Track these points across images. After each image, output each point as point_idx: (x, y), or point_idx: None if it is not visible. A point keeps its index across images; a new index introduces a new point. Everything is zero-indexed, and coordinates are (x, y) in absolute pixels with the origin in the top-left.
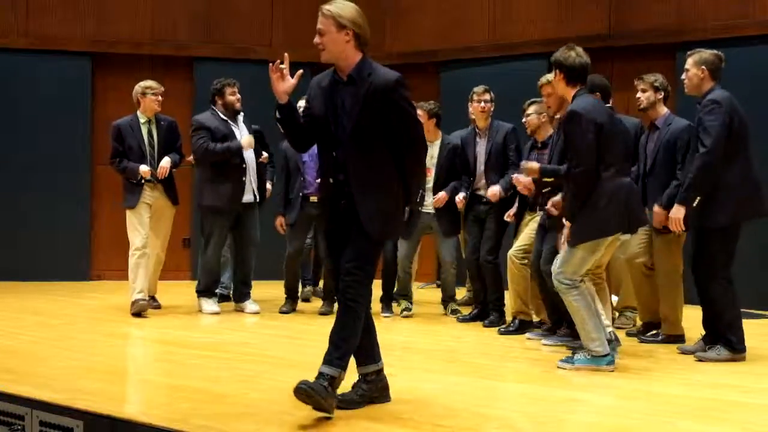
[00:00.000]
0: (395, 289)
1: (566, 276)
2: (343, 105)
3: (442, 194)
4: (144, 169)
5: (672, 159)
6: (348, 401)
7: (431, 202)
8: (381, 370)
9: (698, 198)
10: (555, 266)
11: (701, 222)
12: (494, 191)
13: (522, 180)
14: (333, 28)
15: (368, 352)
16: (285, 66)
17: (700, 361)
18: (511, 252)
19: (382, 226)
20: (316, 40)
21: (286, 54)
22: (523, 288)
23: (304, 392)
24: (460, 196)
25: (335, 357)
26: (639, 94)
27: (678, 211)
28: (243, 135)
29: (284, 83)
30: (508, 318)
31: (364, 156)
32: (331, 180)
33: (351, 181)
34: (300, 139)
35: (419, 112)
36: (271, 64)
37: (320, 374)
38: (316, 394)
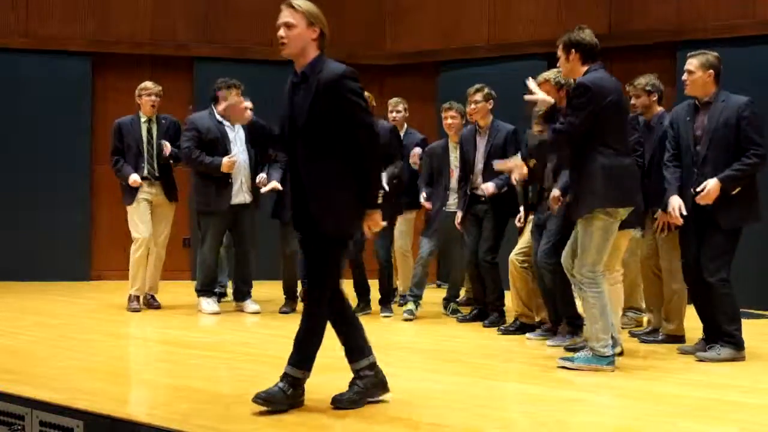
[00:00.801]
0: (410, 288)
1: (588, 269)
2: (296, 101)
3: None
4: (133, 179)
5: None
6: (347, 401)
7: (452, 199)
8: (374, 364)
9: (738, 189)
10: (575, 262)
11: (732, 222)
12: (488, 187)
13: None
14: (303, 23)
15: (357, 347)
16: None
17: (700, 361)
18: (512, 255)
19: (334, 224)
20: (282, 32)
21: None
22: (524, 292)
23: (262, 401)
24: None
25: (298, 359)
26: (633, 101)
27: (716, 188)
28: (239, 139)
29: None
30: (509, 318)
31: (316, 152)
32: (292, 178)
33: (304, 178)
34: (282, 147)
35: (453, 113)
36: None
37: (284, 375)
38: (272, 403)
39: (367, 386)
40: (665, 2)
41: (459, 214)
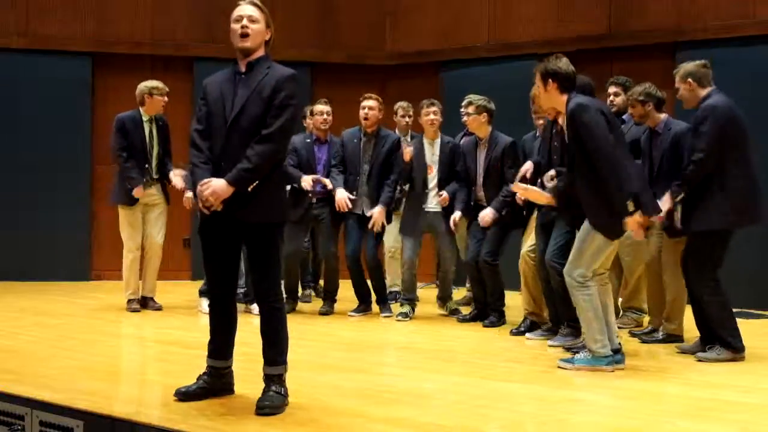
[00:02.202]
0: (402, 293)
1: (580, 273)
2: (236, 93)
3: (445, 195)
4: (137, 191)
5: (678, 162)
6: (190, 394)
7: (431, 198)
8: (228, 368)
9: (681, 195)
10: (569, 263)
11: (694, 225)
12: (486, 219)
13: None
14: (263, 23)
15: (222, 348)
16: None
17: (700, 361)
18: (524, 251)
19: (255, 211)
20: (246, 23)
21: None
22: (536, 289)
23: (268, 413)
24: (455, 216)
25: (276, 356)
26: (630, 110)
27: (665, 200)
28: None
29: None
30: (509, 318)
31: (245, 142)
32: (221, 165)
33: (230, 165)
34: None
35: (436, 110)
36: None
37: (269, 377)
38: (277, 408)
39: (214, 384)
40: (665, 2)
41: (457, 214)
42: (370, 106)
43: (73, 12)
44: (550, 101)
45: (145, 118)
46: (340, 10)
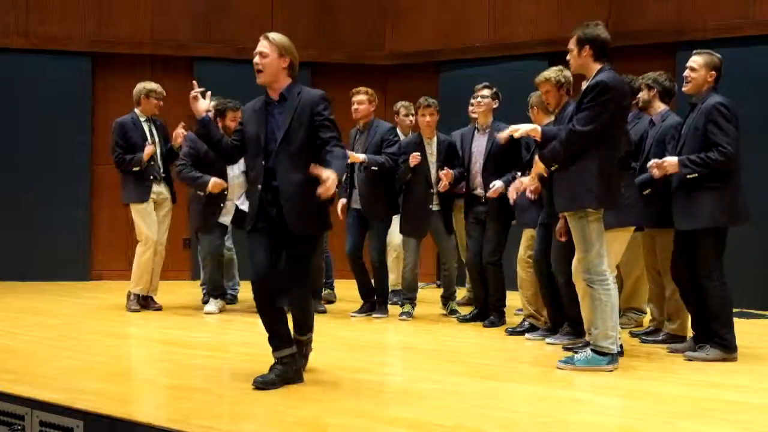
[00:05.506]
0: (402, 291)
1: (597, 261)
2: (275, 120)
3: (446, 179)
4: (148, 150)
5: (663, 155)
6: (267, 382)
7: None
8: (295, 353)
9: (695, 174)
10: (580, 261)
11: (700, 222)
12: (496, 187)
13: (526, 183)
14: (275, 54)
15: (283, 338)
16: (197, 91)
17: (689, 360)
18: (520, 256)
19: (311, 224)
20: (257, 60)
21: (194, 81)
22: (532, 293)
23: (261, 387)
24: (499, 185)
25: (303, 328)
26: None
27: (672, 165)
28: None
29: (200, 104)
30: (509, 318)
31: (292, 161)
32: (259, 187)
33: (280, 184)
34: (222, 152)
35: (432, 110)
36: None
37: (299, 341)
38: (269, 384)
39: (287, 372)
40: (665, 2)
41: (499, 183)
42: (359, 100)
43: (73, 12)
44: (582, 67)
45: (142, 119)
46: (339, 10)
